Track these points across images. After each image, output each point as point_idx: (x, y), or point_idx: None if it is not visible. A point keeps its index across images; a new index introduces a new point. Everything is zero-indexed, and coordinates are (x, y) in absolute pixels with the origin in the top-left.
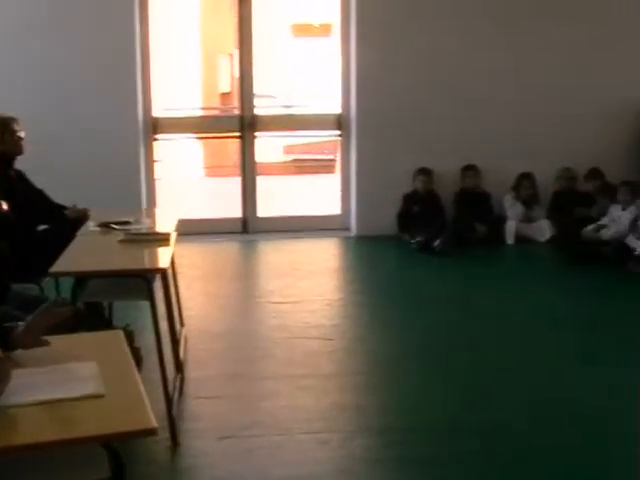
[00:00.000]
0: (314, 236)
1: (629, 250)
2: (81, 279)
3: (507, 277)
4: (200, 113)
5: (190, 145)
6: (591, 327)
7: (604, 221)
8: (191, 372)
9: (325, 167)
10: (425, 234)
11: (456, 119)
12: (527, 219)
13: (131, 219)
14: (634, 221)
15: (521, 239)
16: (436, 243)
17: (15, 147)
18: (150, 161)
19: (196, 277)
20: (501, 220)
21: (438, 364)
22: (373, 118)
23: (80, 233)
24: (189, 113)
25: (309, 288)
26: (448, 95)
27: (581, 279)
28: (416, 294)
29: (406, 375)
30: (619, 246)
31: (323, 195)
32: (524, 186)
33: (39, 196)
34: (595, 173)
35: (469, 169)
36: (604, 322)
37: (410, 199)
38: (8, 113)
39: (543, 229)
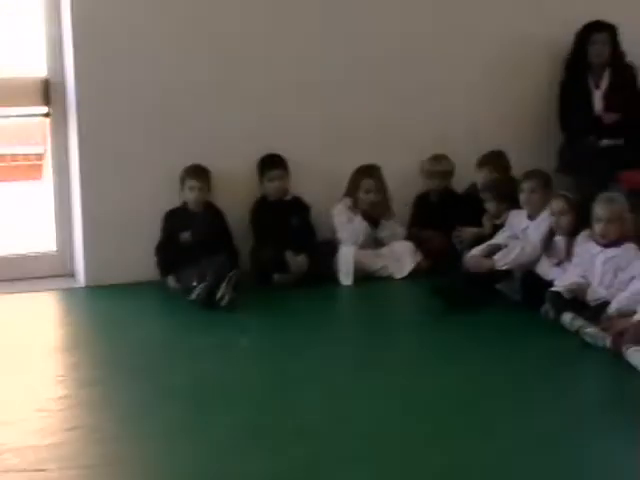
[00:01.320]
0: (9, 290)
1: (542, 284)
2: None
3: (337, 345)
4: None
5: None
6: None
7: (500, 238)
8: None
9: (28, 169)
10: (199, 278)
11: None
12: (374, 243)
13: None
14: (549, 236)
15: (365, 276)
16: (220, 293)
17: None
18: None
19: None
20: (330, 247)
21: None
22: (102, 86)
23: None
24: None
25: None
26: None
27: (465, 338)
28: (196, 387)
29: None
30: (527, 278)
31: (26, 218)
32: (365, 189)
33: None
34: (492, 161)
35: (273, 167)
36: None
37: (175, 220)
38: None
39: (401, 258)
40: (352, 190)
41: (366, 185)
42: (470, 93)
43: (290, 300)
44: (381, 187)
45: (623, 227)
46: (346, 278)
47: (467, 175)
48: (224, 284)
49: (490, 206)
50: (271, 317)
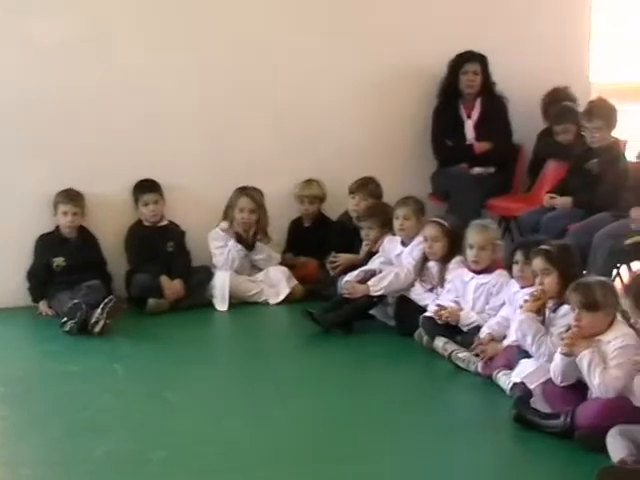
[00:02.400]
0: None
1: (416, 309)
2: None
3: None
4: None
5: None
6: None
7: (374, 263)
8: None
9: None
10: (73, 306)
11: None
12: (250, 267)
13: None
14: (422, 262)
15: (240, 302)
16: (94, 319)
17: None
18: None
19: None
20: (205, 272)
21: None
22: None
23: None
24: None
25: None
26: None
27: (339, 363)
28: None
29: None
30: (401, 303)
31: None
32: (240, 207)
33: None
34: (363, 187)
35: (147, 192)
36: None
37: (48, 245)
38: None
39: (276, 284)
40: (229, 210)
41: (242, 203)
42: (345, 119)
43: (165, 326)
44: (257, 208)
45: (494, 254)
46: (221, 304)
47: (344, 201)
48: (98, 310)
49: (365, 232)
50: (146, 343)
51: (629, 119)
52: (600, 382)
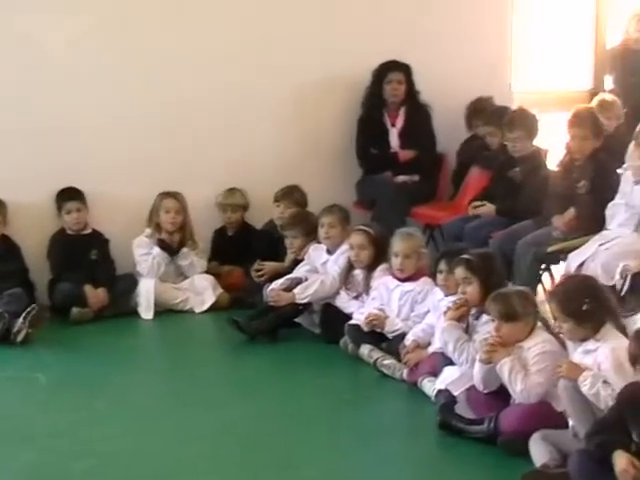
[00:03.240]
0: None
1: (341, 316)
2: None
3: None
4: None
5: None
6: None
7: (300, 271)
8: None
9: None
10: None
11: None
12: (175, 274)
13: None
14: (348, 270)
15: (166, 310)
16: (16, 328)
17: None
18: None
19: None
20: (130, 280)
21: None
22: None
23: None
24: None
25: None
26: None
27: (265, 372)
28: None
29: None
30: (326, 311)
31: None
32: (165, 208)
33: None
34: (288, 196)
35: (70, 200)
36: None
37: None
38: None
39: (201, 292)
40: (153, 216)
41: (167, 204)
42: (270, 128)
43: (89, 335)
44: (182, 209)
45: (419, 262)
46: (146, 312)
47: (269, 209)
48: (20, 319)
49: (290, 241)
50: (69, 352)
51: (550, 128)
52: (522, 388)
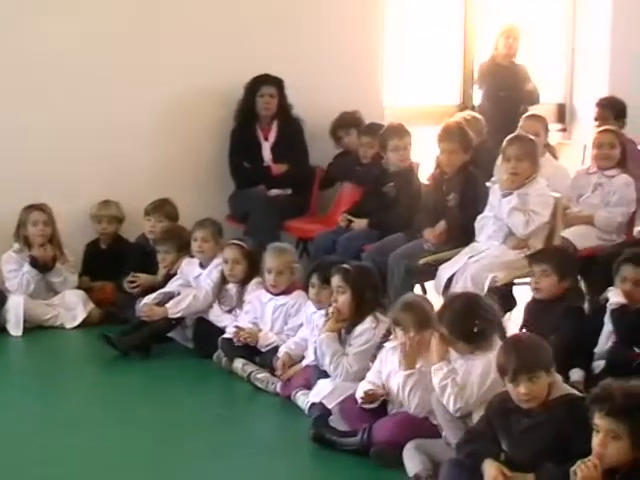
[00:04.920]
0: None
1: (215, 330)
2: None
3: None
4: None
5: None
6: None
7: (173, 285)
8: None
9: None
10: None
11: None
12: (46, 290)
13: None
14: (221, 284)
15: (36, 326)
16: None
17: None
18: None
19: None
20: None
21: None
22: None
23: None
24: None
25: None
26: None
27: (137, 387)
28: None
29: None
30: (199, 325)
31: None
32: (32, 221)
33: None
34: (158, 209)
35: None
36: None
37: None
38: None
39: (72, 307)
40: (20, 230)
41: (34, 217)
42: (140, 141)
43: None
44: (50, 221)
45: (292, 276)
46: (15, 328)
47: (141, 223)
48: None
49: (162, 257)
50: None
51: (420, 141)
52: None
